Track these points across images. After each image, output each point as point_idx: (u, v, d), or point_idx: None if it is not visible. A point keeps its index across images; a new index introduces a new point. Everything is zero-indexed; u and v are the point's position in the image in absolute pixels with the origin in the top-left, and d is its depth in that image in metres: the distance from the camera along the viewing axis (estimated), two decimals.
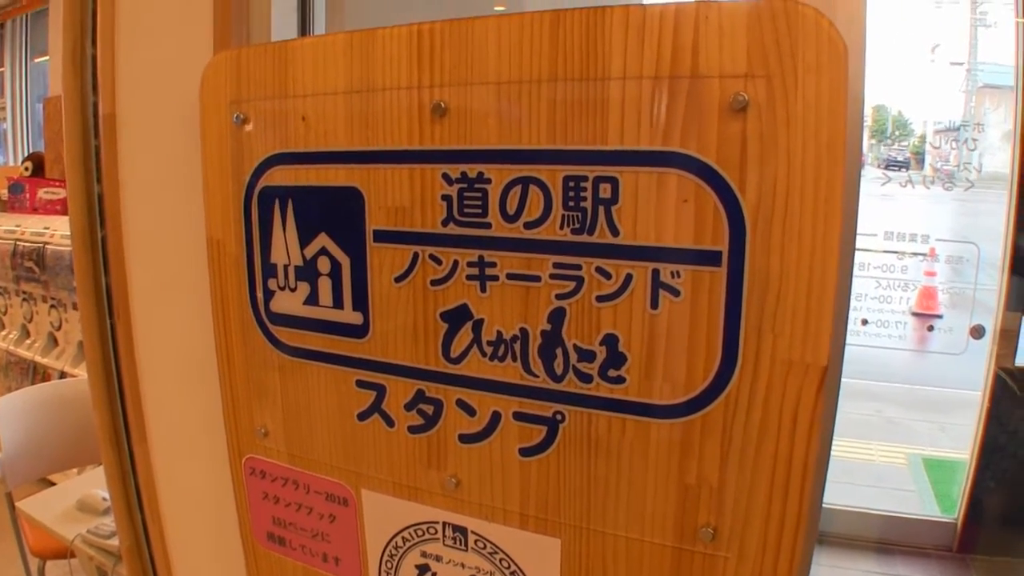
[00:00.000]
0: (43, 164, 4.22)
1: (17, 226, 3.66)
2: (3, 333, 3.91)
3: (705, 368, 0.56)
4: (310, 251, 0.69)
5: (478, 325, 0.62)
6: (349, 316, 0.68)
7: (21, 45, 5.78)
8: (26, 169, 4.28)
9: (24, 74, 5.81)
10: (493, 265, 0.60)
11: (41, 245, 3.38)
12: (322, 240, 0.68)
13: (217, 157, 0.76)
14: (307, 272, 0.70)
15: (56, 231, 3.38)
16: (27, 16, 5.64)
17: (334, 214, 0.67)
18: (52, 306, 3.49)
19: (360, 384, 0.69)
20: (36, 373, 3.54)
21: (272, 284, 0.73)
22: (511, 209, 0.59)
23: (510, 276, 0.60)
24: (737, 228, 0.53)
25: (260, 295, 0.74)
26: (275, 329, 0.74)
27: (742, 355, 0.54)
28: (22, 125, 5.84)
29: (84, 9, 1.02)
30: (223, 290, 0.78)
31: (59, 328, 3.49)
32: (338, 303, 0.69)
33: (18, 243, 3.54)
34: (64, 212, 3.75)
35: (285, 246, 0.71)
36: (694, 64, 0.53)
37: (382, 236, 0.65)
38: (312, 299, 0.70)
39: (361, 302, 0.67)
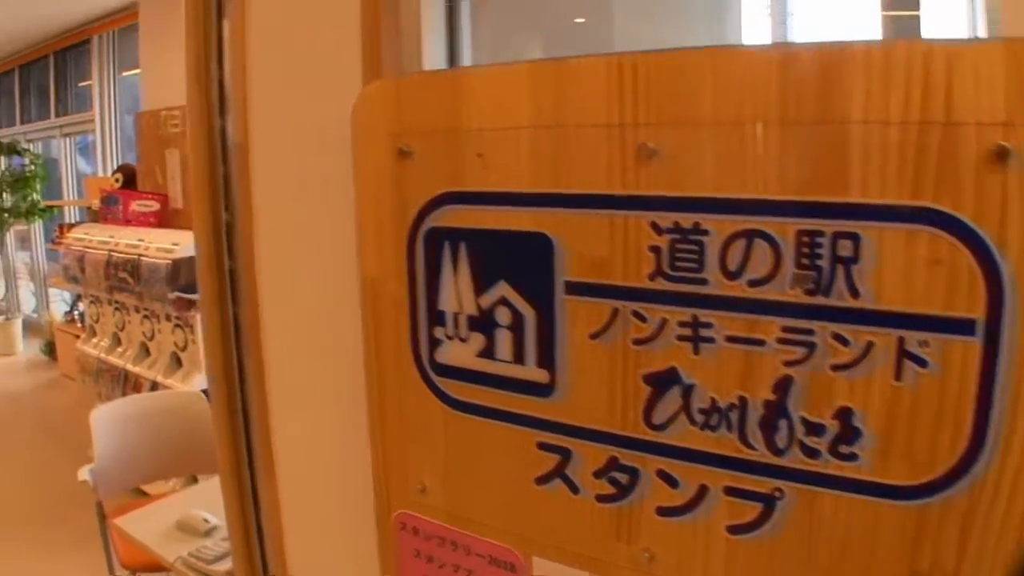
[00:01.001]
0: (134, 176, 4.34)
1: (111, 237, 3.76)
2: (95, 340, 4.03)
3: (951, 448, 0.49)
4: (487, 300, 0.64)
5: (688, 391, 0.56)
6: (532, 373, 0.63)
7: (109, 59, 5.97)
8: (116, 180, 4.41)
9: (112, 87, 6.00)
10: (709, 326, 0.54)
11: (136, 257, 3.46)
12: (502, 289, 0.63)
13: (374, 192, 0.72)
14: (483, 323, 0.65)
15: (151, 244, 3.45)
16: (115, 32, 5.82)
17: (517, 262, 0.62)
18: (145, 316, 3.57)
19: (542, 447, 0.64)
20: (127, 382, 3.62)
21: (439, 332, 0.68)
22: (733, 265, 0.53)
23: (729, 339, 0.54)
24: (995, 294, 0.47)
25: (424, 343, 0.69)
26: (441, 381, 0.69)
27: (992, 435, 0.48)
28: (111, 137, 6.02)
29: (208, 26, 1.00)
30: (378, 333, 0.74)
31: (151, 339, 3.56)
32: (519, 359, 0.63)
33: (112, 254, 3.63)
34: (157, 225, 3.84)
35: (457, 293, 0.66)
36: (947, 109, 0.47)
37: (576, 288, 0.60)
38: (488, 352, 0.65)
39: (548, 359, 0.62)
